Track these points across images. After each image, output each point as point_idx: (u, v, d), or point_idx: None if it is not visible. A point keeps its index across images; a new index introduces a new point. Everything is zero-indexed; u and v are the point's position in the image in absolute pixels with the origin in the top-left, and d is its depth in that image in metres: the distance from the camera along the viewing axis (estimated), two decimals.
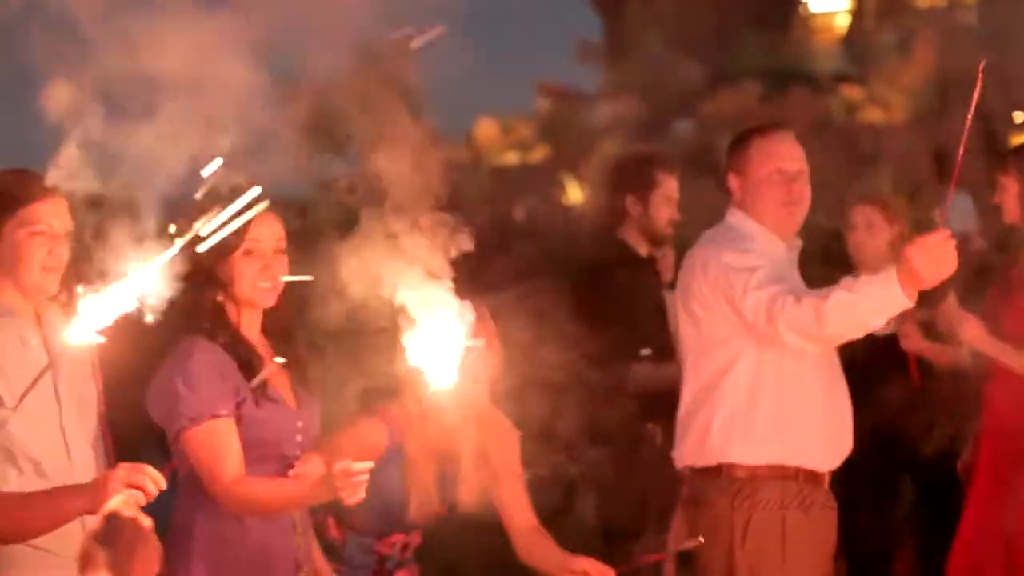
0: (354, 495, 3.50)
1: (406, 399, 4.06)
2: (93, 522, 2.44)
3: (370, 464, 3.50)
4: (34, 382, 3.30)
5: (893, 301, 3.99)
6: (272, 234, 3.80)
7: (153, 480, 3.21)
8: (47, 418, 3.52)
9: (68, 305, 3.54)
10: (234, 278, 3.76)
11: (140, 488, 3.19)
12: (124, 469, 3.21)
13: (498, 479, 4.22)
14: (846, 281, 4.12)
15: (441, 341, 3.53)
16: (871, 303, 4.04)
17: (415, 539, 4.31)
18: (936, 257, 3.86)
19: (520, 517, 4.26)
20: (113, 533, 2.33)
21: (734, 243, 4.47)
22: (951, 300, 5.75)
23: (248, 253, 3.76)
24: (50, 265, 3.53)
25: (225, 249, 3.60)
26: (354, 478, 3.48)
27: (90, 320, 3.03)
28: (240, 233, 3.61)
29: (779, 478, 4.43)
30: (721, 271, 4.38)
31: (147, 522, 2.36)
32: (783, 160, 4.52)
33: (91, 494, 3.20)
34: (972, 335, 5.16)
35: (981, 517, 5.26)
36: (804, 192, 4.55)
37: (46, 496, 3.39)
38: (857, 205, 6.01)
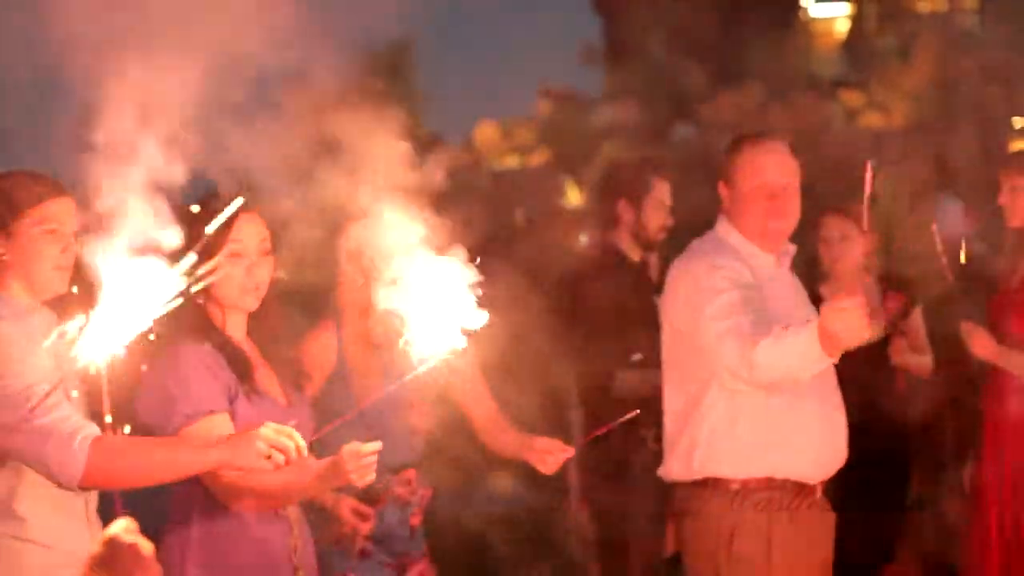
0: (364, 477, 3.48)
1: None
2: (93, 546, 2.43)
3: (378, 445, 3.48)
4: (51, 391, 3.29)
5: (814, 358, 3.90)
6: (256, 234, 3.77)
7: (296, 445, 3.22)
8: None
9: (70, 307, 3.54)
10: (217, 281, 3.72)
11: (282, 451, 3.20)
12: (271, 428, 3.23)
13: (454, 375, 4.29)
14: (777, 330, 4.03)
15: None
16: (793, 356, 3.96)
17: (427, 491, 4.38)
18: (849, 321, 3.75)
19: (480, 407, 4.47)
20: (112, 558, 2.33)
21: (710, 257, 4.39)
22: (916, 315, 5.77)
23: (231, 255, 3.74)
24: (62, 263, 3.55)
25: (208, 251, 3.51)
26: (364, 460, 3.46)
27: (102, 336, 3.00)
28: (223, 234, 3.60)
29: (768, 489, 4.39)
30: (693, 289, 4.33)
31: (147, 547, 2.36)
32: (769, 174, 4.44)
33: (234, 447, 3.23)
34: (982, 348, 5.14)
35: (995, 525, 5.25)
36: (789, 206, 4.46)
37: (189, 443, 3.47)
38: (829, 217, 5.95)
